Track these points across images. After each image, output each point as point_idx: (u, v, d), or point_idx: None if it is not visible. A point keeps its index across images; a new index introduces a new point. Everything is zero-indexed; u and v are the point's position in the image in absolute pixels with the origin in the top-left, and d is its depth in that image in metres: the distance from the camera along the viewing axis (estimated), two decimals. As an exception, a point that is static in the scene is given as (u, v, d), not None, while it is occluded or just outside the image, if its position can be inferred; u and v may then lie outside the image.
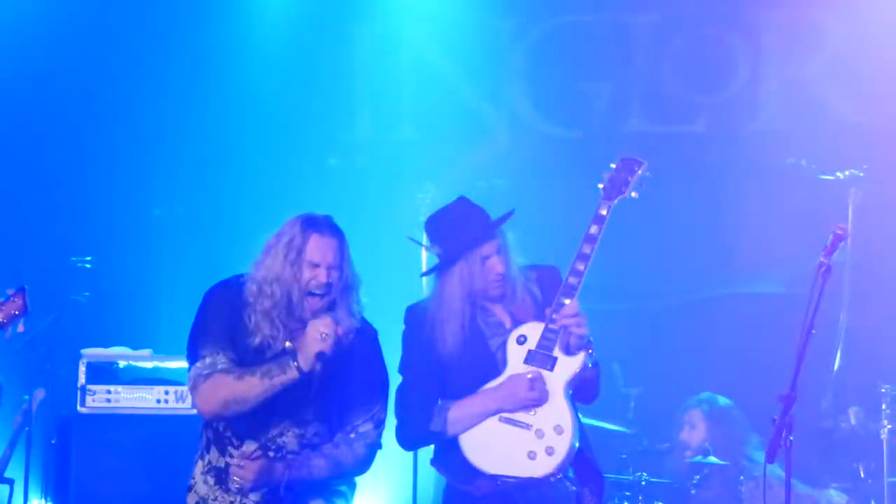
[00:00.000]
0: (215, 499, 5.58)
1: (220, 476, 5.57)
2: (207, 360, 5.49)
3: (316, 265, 5.46)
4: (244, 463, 5.48)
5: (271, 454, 5.52)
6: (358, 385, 5.62)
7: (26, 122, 10.27)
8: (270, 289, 5.49)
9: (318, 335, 5.31)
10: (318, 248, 5.50)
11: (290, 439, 5.55)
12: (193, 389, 5.61)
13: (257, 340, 5.46)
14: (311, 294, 5.43)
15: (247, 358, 5.45)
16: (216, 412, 5.55)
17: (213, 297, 5.65)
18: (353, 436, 5.60)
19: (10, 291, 6.07)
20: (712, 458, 8.09)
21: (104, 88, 10.42)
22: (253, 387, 5.42)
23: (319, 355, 5.28)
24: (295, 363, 5.34)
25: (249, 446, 5.53)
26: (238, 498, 5.56)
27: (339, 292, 5.51)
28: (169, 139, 10.14)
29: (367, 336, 5.66)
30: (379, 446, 5.68)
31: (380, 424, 5.66)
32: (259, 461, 5.51)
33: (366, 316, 5.72)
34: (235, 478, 5.52)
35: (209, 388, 5.49)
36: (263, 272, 5.49)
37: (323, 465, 5.58)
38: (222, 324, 5.59)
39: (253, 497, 5.53)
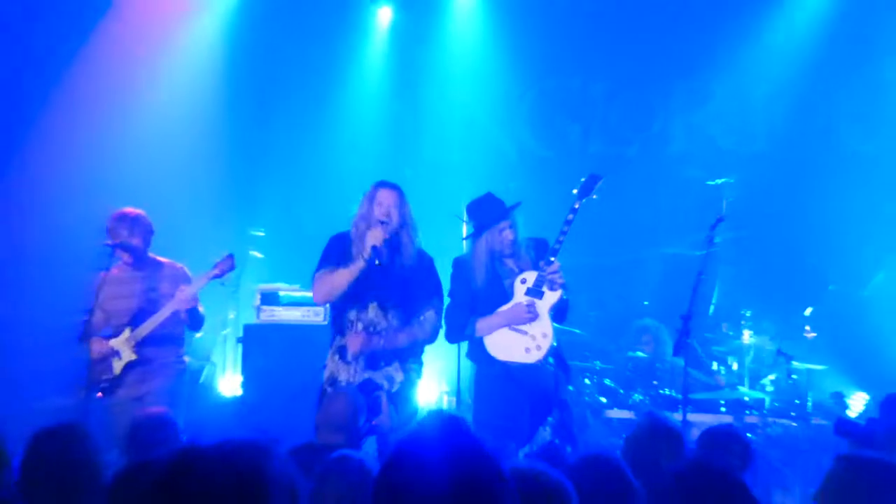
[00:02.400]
0: (338, 370, 5.68)
1: (342, 352, 5.65)
2: (321, 271, 5.68)
3: (381, 205, 5.61)
4: (354, 336, 5.55)
5: (371, 330, 5.62)
6: (420, 288, 5.71)
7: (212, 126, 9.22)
8: (358, 222, 5.65)
9: (372, 237, 5.51)
10: (382, 195, 5.65)
11: (380, 321, 5.62)
12: (312, 289, 5.79)
13: (354, 254, 5.61)
14: (381, 223, 5.56)
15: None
16: (323, 299, 5.83)
17: (331, 239, 5.79)
18: (422, 319, 5.69)
19: (224, 254, 6.12)
20: (640, 353, 8.08)
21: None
22: (340, 275, 5.58)
23: (374, 248, 5.46)
24: (361, 256, 5.53)
25: (358, 326, 5.64)
26: (352, 364, 5.64)
27: (399, 226, 5.63)
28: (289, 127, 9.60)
29: (425, 260, 5.78)
30: (440, 326, 5.77)
31: (439, 312, 5.75)
32: (362, 335, 5.59)
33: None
34: (350, 350, 5.58)
35: (318, 283, 5.69)
36: (357, 215, 5.68)
37: (405, 337, 5.64)
38: (334, 251, 5.72)
39: (361, 362, 5.61)
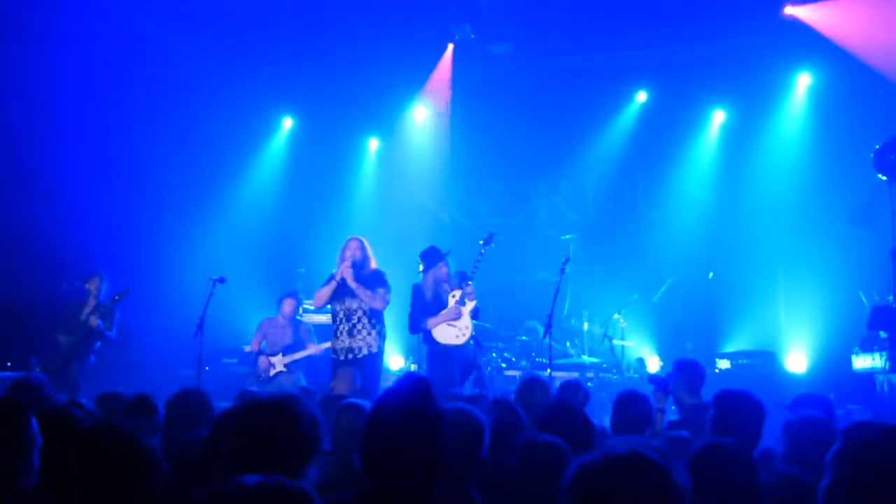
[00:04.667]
0: (335, 342, 5.55)
1: (335, 333, 5.55)
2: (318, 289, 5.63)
3: (349, 248, 5.56)
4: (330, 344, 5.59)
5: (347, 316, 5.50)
6: (374, 282, 5.56)
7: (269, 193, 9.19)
8: (339, 259, 5.56)
9: (341, 267, 5.47)
10: (350, 243, 5.61)
11: (354, 306, 5.50)
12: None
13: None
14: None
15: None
16: (319, 304, 5.65)
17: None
18: (379, 291, 5.52)
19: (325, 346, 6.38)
20: (524, 337, 8.02)
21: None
22: (325, 288, 5.52)
23: (343, 270, 5.43)
24: (333, 278, 5.49)
25: (340, 314, 5.50)
26: (339, 337, 5.47)
27: (360, 258, 5.51)
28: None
29: (377, 271, 5.61)
30: (388, 300, 5.53)
31: (386, 292, 5.53)
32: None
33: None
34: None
35: (315, 296, 5.63)
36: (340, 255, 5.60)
37: (370, 296, 5.46)
38: (329, 277, 5.60)
39: (345, 332, 5.47)
